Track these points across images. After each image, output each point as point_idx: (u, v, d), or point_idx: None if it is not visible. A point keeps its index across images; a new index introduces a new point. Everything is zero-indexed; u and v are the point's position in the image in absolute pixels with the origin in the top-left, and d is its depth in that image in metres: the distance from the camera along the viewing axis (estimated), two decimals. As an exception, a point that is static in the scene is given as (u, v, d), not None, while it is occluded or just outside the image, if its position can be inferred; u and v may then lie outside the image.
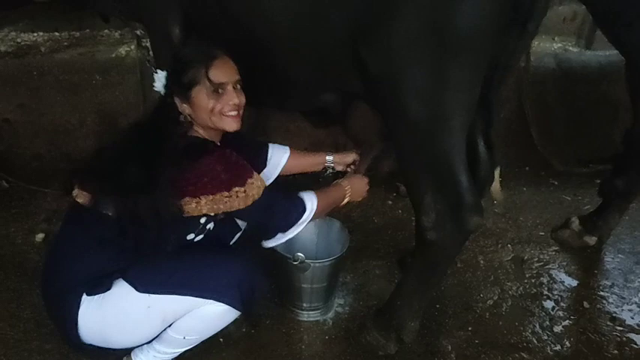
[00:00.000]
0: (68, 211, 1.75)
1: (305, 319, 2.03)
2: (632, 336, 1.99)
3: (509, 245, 2.44)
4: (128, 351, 1.75)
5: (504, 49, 1.51)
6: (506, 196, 2.75)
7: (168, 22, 1.80)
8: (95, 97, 2.63)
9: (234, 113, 1.65)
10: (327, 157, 2.05)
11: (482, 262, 2.33)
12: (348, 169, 2.07)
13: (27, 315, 1.97)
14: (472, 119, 1.56)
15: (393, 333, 1.82)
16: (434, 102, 1.46)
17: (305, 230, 1.78)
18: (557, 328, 2.02)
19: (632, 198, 2.29)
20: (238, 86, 1.66)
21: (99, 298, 1.60)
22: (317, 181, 2.11)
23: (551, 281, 2.24)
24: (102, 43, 2.58)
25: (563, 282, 2.24)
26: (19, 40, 2.51)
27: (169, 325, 1.67)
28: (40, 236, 2.37)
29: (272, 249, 1.92)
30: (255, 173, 1.64)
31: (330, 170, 2.04)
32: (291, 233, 1.74)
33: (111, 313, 1.61)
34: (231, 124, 1.66)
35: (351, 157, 2.04)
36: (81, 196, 1.63)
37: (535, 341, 1.96)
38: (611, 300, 2.15)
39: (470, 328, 2.01)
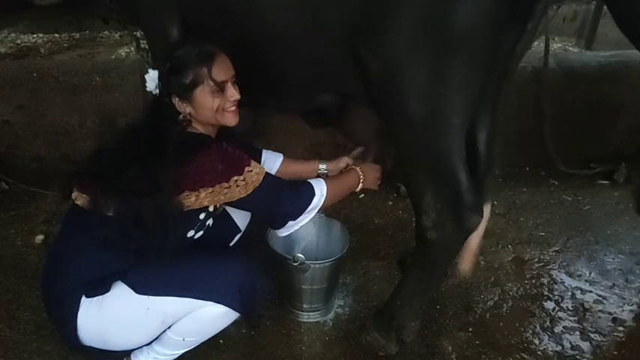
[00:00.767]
0: (68, 212, 1.74)
1: (305, 320, 2.02)
2: (633, 337, 1.99)
3: (509, 246, 2.44)
4: (128, 353, 1.74)
5: (505, 49, 1.51)
6: (506, 196, 2.76)
7: (165, 23, 1.80)
8: (95, 99, 2.63)
9: (234, 108, 1.67)
10: (320, 166, 2.05)
11: (482, 262, 2.32)
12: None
13: (26, 317, 1.97)
14: (472, 118, 1.56)
15: (394, 333, 1.81)
16: (433, 101, 1.46)
17: (305, 231, 1.78)
18: (558, 329, 2.01)
19: None
20: (234, 80, 1.67)
21: (98, 300, 1.60)
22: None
23: (551, 282, 2.24)
24: (102, 44, 2.58)
25: (564, 282, 2.24)
26: (18, 41, 2.52)
27: (169, 327, 1.67)
28: (39, 238, 2.37)
29: (272, 250, 1.92)
30: (252, 161, 1.64)
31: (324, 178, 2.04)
32: (302, 220, 1.72)
33: (110, 314, 1.60)
34: (232, 119, 1.68)
35: (343, 161, 2.03)
36: (80, 199, 1.62)
37: (536, 342, 1.96)
38: (611, 300, 2.15)
39: (470, 329, 2.00)
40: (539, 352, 1.91)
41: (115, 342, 1.68)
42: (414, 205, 1.65)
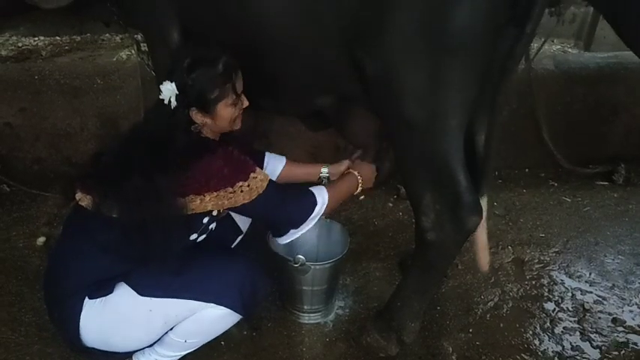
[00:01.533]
0: (70, 214, 1.75)
1: (306, 322, 2.03)
2: (634, 337, 1.99)
3: (509, 247, 2.45)
4: (130, 354, 1.75)
5: (503, 51, 1.52)
6: (506, 198, 2.77)
7: (165, 27, 1.81)
8: (96, 101, 2.63)
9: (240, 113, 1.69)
10: (322, 169, 2.06)
11: (482, 263, 2.33)
12: None
13: (28, 319, 1.97)
14: (470, 119, 1.56)
15: (394, 334, 1.82)
16: (431, 102, 1.47)
17: (306, 232, 1.78)
18: (558, 330, 2.02)
19: None
20: None
21: (101, 302, 1.61)
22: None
23: (551, 283, 2.24)
24: (103, 47, 2.59)
25: (564, 283, 2.24)
26: (20, 44, 2.53)
27: (171, 329, 1.67)
28: (41, 240, 2.37)
29: (273, 252, 1.93)
30: (257, 168, 1.65)
31: (325, 181, 2.05)
32: (303, 228, 1.74)
33: (113, 316, 1.61)
34: (239, 124, 1.70)
35: (344, 165, 2.04)
36: (85, 200, 1.63)
37: (536, 343, 1.96)
38: (611, 301, 2.15)
39: (471, 330, 2.01)
40: (539, 353, 1.92)
41: (117, 343, 1.68)
42: (414, 207, 1.65)
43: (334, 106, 1.82)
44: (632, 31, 1.71)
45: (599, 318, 2.07)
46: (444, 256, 1.70)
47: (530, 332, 2.00)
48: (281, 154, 2.10)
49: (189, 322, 1.65)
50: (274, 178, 2.01)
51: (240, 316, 1.69)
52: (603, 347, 1.95)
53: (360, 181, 1.88)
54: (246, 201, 1.62)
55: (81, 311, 1.61)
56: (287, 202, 1.71)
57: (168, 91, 1.55)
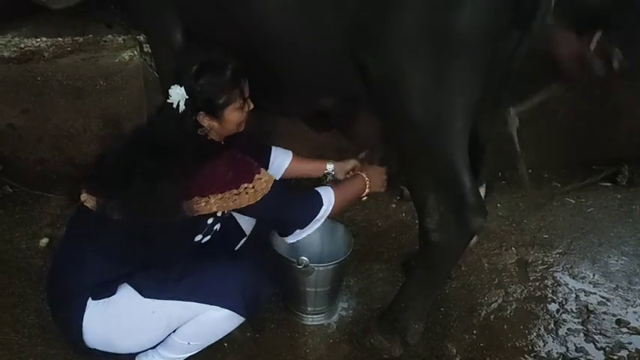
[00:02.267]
0: (73, 215, 1.75)
1: (309, 323, 2.02)
2: (638, 338, 1.99)
3: (513, 248, 2.44)
4: (133, 356, 1.75)
5: (506, 52, 1.52)
6: (509, 199, 2.76)
7: (168, 27, 1.81)
8: (99, 102, 2.63)
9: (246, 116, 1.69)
10: (328, 165, 2.05)
11: (486, 265, 2.33)
12: (348, 176, 2.07)
13: (31, 320, 1.97)
14: (474, 120, 1.56)
15: (398, 336, 1.81)
16: (435, 103, 1.47)
17: (309, 234, 1.78)
18: (562, 331, 2.01)
19: None
20: None
21: (104, 303, 1.60)
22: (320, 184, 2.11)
23: (555, 284, 2.24)
24: (105, 48, 2.58)
25: (568, 284, 2.24)
26: (22, 45, 2.52)
27: (174, 331, 1.67)
28: (44, 241, 2.37)
29: (276, 253, 1.93)
30: (262, 169, 1.66)
31: (330, 177, 2.04)
32: (310, 229, 1.73)
33: (116, 317, 1.61)
34: (243, 126, 1.70)
35: (350, 163, 2.04)
36: (90, 201, 1.63)
37: (540, 344, 1.96)
38: (615, 302, 2.15)
39: (474, 332, 2.00)
40: (543, 354, 1.91)
41: (120, 345, 1.68)
42: (417, 208, 1.65)
43: (338, 107, 1.82)
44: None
45: (603, 319, 2.07)
46: (448, 257, 1.69)
47: (534, 333, 2.00)
48: (285, 154, 2.10)
49: (192, 324, 1.64)
50: (281, 173, 2.02)
51: (243, 318, 1.68)
52: (607, 348, 1.95)
53: (368, 184, 1.87)
54: (251, 202, 1.62)
55: (84, 312, 1.61)
56: (292, 203, 1.71)
57: (178, 95, 1.55)
